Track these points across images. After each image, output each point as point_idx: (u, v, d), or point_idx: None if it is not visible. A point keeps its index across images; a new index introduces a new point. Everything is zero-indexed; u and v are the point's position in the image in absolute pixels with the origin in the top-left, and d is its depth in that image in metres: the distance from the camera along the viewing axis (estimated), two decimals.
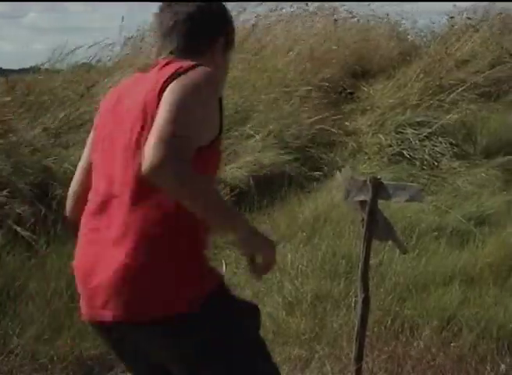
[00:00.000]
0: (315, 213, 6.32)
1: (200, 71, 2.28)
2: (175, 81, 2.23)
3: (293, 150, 8.04)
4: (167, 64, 2.34)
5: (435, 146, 8.17)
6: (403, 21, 12.35)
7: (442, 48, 10.63)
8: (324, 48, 10.48)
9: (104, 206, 2.31)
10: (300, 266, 5.22)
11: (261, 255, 2.35)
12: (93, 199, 2.37)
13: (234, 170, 7.40)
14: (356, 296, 3.80)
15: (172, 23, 2.44)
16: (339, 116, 9.14)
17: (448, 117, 8.65)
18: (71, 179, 2.58)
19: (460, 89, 9.33)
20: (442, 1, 12.38)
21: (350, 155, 8.28)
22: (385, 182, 3.60)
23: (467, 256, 5.42)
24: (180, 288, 2.22)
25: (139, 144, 2.21)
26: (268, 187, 7.41)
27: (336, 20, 11.58)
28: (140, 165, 2.10)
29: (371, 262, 3.78)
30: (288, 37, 10.81)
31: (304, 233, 5.98)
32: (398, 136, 8.33)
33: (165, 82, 2.24)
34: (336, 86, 9.70)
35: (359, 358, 3.57)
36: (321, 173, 7.81)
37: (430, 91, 9.34)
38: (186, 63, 2.31)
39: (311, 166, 7.99)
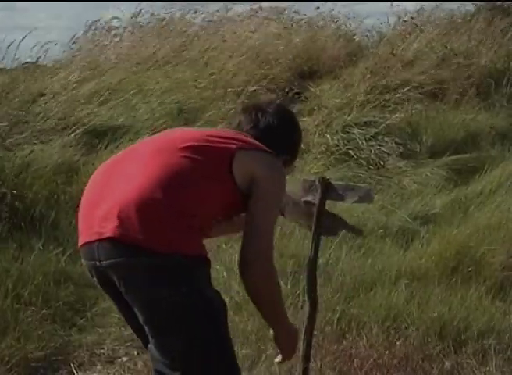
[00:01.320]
0: None
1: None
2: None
3: None
4: None
5: (381, 146, 8.23)
6: (350, 22, 12.45)
7: (388, 49, 10.72)
8: (271, 48, 10.50)
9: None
10: None
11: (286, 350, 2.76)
12: None
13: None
14: (303, 295, 3.81)
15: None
16: None
17: (394, 117, 8.72)
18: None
19: (406, 89, 9.42)
20: (389, 1, 12.47)
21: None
22: (334, 182, 3.60)
23: (412, 255, 5.47)
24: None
25: None
26: None
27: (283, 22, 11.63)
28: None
29: (318, 261, 3.79)
30: (235, 38, 10.81)
31: None
32: (345, 136, 8.38)
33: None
34: (283, 86, 9.74)
35: (306, 357, 3.57)
36: None
37: (376, 91, 9.41)
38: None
39: None
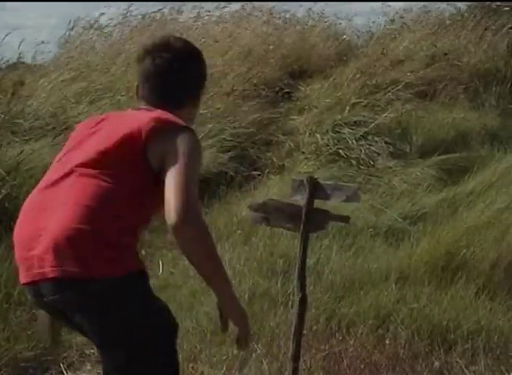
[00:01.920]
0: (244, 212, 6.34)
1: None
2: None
3: (230, 149, 8.05)
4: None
5: (371, 145, 8.24)
6: (340, 21, 12.48)
7: (378, 48, 10.74)
8: (262, 48, 10.51)
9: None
10: (237, 265, 5.23)
11: (237, 324, 2.70)
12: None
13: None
14: (293, 295, 3.82)
15: (155, 75, 2.78)
16: (276, 116, 9.18)
17: (384, 117, 8.73)
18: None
19: (396, 89, 9.42)
20: (380, 0, 12.53)
21: (288, 154, 8.31)
22: (322, 182, 3.62)
23: (402, 255, 5.48)
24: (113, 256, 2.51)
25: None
26: (206, 186, 7.40)
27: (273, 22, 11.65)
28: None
29: (309, 260, 3.80)
30: (226, 37, 10.82)
31: (242, 233, 5.98)
32: (335, 135, 8.38)
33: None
34: (273, 86, 9.75)
35: (296, 356, 3.59)
36: (258, 173, 7.82)
37: (366, 91, 9.42)
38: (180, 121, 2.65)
39: (249, 166, 8.01)
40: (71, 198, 2.53)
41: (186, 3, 11.88)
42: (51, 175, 2.77)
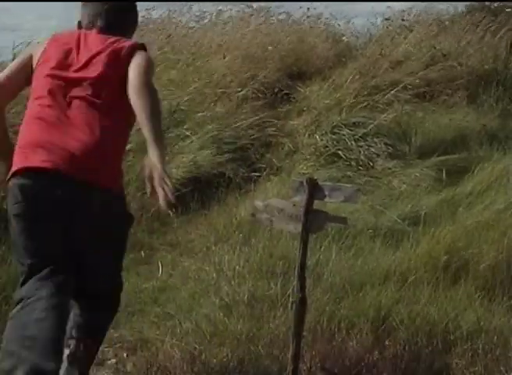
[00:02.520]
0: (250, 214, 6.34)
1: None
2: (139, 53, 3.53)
3: (230, 151, 8.04)
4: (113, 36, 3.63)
5: (371, 146, 8.23)
6: (339, 22, 12.49)
7: (377, 49, 10.74)
8: (260, 49, 10.51)
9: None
10: (236, 266, 5.23)
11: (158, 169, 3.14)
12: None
13: (170, 171, 7.37)
14: (293, 296, 3.82)
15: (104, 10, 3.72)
16: (275, 117, 9.18)
17: (383, 118, 8.73)
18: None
19: (395, 90, 9.42)
20: (379, 1, 12.58)
21: (287, 155, 8.31)
22: (321, 183, 3.63)
23: (402, 256, 5.47)
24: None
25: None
26: (205, 187, 7.41)
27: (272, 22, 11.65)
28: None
29: (308, 262, 3.80)
30: (225, 39, 10.82)
31: (241, 234, 5.98)
32: (334, 136, 8.37)
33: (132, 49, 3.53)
34: (272, 87, 9.74)
35: (296, 358, 3.59)
36: (258, 174, 7.82)
37: (365, 92, 9.42)
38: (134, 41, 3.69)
39: (248, 167, 8.00)
40: (83, 121, 3.36)
41: (186, 4, 11.86)
42: (52, 95, 3.46)
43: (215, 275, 5.18)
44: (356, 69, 9.93)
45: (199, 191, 7.30)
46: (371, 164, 7.99)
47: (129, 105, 3.31)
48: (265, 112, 9.14)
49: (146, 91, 3.30)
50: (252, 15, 11.96)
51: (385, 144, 8.30)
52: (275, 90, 9.78)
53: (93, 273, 3.44)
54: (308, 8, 12.24)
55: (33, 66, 3.62)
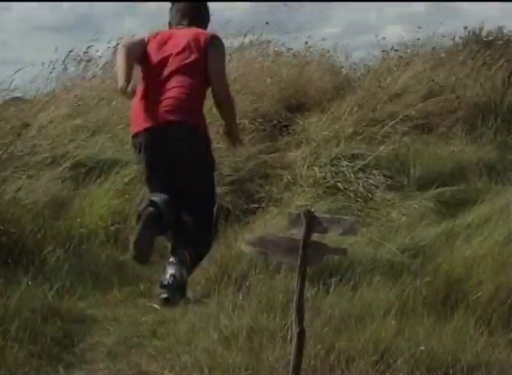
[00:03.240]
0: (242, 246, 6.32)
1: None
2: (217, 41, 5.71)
3: (228, 183, 8.05)
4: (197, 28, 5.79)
5: (369, 178, 8.25)
6: (338, 54, 12.54)
7: (375, 82, 10.80)
8: (259, 81, 10.55)
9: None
10: (236, 299, 5.21)
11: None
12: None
13: None
14: (291, 329, 3.80)
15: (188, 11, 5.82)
16: (274, 149, 9.20)
17: (381, 149, 8.75)
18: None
19: (393, 122, 9.46)
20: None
21: (286, 187, 8.32)
22: (319, 215, 3.63)
23: (401, 288, 5.46)
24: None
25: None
26: None
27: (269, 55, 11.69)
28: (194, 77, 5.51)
29: (307, 294, 3.79)
30: None
31: (241, 267, 5.97)
32: (333, 168, 8.40)
33: (211, 37, 5.67)
34: (271, 119, 9.78)
35: None
36: (257, 206, 7.83)
37: (364, 124, 9.46)
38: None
39: (247, 199, 8.01)
40: (180, 88, 5.46)
41: None
42: (159, 75, 5.51)
43: (214, 308, 5.17)
44: (354, 101, 9.98)
45: None
46: (370, 196, 8.00)
47: (206, 75, 5.52)
48: (264, 144, 9.17)
49: (222, 78, 5.69)
50: (251, 46, 12.01)
51: (384, 175, 8.32)
52: (274, 122, 9.81)
53: (192, 181, 5.52)
54: (307, 42, 12.29)
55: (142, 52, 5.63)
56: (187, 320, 5.16)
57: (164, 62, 5.51)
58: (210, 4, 6.09)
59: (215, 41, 5.60)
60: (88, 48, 10.80)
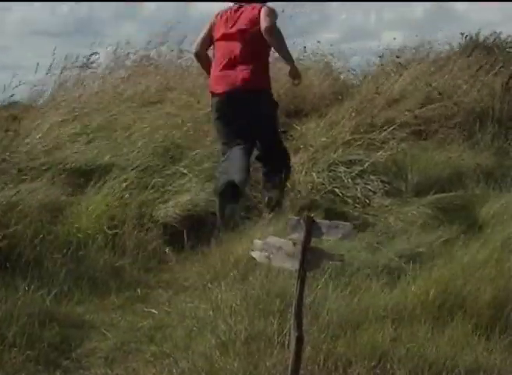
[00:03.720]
0: (249, 252, 6.32)
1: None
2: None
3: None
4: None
5: (367, 184, 8.25)
6: (336, 60, 12.55)
7: (373, 88, 10.81)
8: None
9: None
10: (233, 304, 5.21)
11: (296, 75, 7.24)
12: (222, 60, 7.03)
13: (167, 209, 7.37)
14: (289, 334, 3.80)
15: None
16: None
17: (379, 155, 8.76)
18: None
19: (391, 128, 9.46)
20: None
21: (284, 193, 8.31)
22: (318, 220, 3.64)
23: (398, 294, 5.46)
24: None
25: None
26: (202, 225, 7.40)
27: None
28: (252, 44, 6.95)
29: (305, 300, 3.79)
30: None
31: (238, 272, 5.97)
32: (330, 174, 8.40)
33: (261, 6, 7.04)
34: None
35: None
36: (254, 212, 7.81)
37: (362, 130, 9.46)
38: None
39: (245, 205, 8.00)
40: (246, 57, 6.85)
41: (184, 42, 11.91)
42: (228, 47, 6.97)
43: (211, 313, 5.16)
44: (352, 107, 9.99)
45: (195, 229, 7.30)
46: (368, 202, 8.00)
47: (267, 44, 6.93)
48: None
49: (272, 31, 6.84)
50: None
51: (382, 181, 8.32)
52: None
53: (261, 133, 7.13)
54: (305, 47, 12.31)
55: (213, 31, 7.19)
56: (185, 326, 5.16)
57: (230, 36, 7.05)
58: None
59: (265, 8, 7.01)
60: (91, 55, 10.81)
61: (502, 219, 7.04)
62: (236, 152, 6.94)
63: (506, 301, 5.30)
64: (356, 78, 12.51)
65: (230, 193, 6.86)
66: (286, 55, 7.07)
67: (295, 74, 7.15)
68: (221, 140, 7.25)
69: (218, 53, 7.14)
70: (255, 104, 6.92)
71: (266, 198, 7.14)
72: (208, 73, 7.35)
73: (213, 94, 7.14)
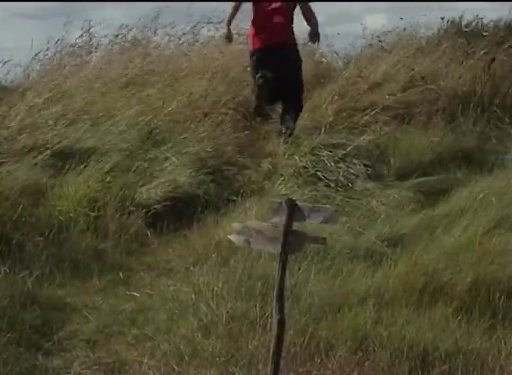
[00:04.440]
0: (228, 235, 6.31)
1: None
2: None
3: (209, 172, 8.04)
4: None
5: (350, 168, 8.25)
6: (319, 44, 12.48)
7: (356, 71, 10.80)
8: (239, 70, 10.53)
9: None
10: (215, 287, 5.21)
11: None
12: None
13: (149, 191, 7.36)
14: (271, 317, 3.80)
15: None
16: (255, 138, 9.19)
17: (362, 139, 8.76)
18: None
19: (374, 111, 9.47)
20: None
21: (266, 176, 8.31)
22: (300, 204, 3.64)
23: (380, 277, 5.48)
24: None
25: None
26: (184, 208, 7.40)
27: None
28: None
29: (287, 283, 3.79)
30: (204, 60, 10.84)
31: (220, 255, 5.97)
32: (313, 157, 8.39)
33: None
34: (251, 108, 9.75)
35: None
36: (237, 195, 7.81)
37: (344, 114, 9.47)
38: None
39: (227, 188, 8.00)
40: (279, 22, 8.85)
41: (161, 23, 11.87)
42: (266, 12, 8.89)
43: (193, 296, 5.17)
44: (335, 90, 9.98)
45: (178, 212, 7.29)
46: (351, 185, 8.00)
47: (293, 13, 8.95)
48: (244, 133, 9.16)
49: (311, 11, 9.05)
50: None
51: (365, 165, 8.33)
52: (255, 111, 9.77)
53: (288, 80, 8.80)
54: None
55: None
56: (167, 309, 5.16)
57: (267, 3, 8.90)
58: None
59: None
60: (80, 36, 10.76)
61: (483, 203, 7.06)
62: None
63: (487, 285, 5.33)
64: (339, 62, 12.49)
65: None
66: (315, 21, 9.13)
67: (315, 35, 9.13)
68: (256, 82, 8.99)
69: (259, 17, 9.05)
70: (286, 54, 8.97)
71: (284, 128, 8.85)
72: None
73: (254, 50, 9.12)
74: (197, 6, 12.11)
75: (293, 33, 9.21)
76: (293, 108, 9.02)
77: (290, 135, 8.83)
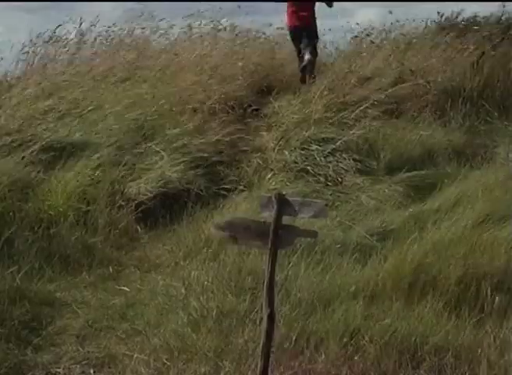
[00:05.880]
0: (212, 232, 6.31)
1: None
2: None
3: (199, 166, 8.03)
4: None
5: (339, 162, 8.25)
6: None
7: (345, 66, 10.80)
8: (229, 65, 10.52)
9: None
10: (205, 282, 5.21)
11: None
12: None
13: (139, 186, 7.35)
14: (261, 312, 3.81)
15: None
16: (245, 133, 9.18)
17: (351, 133, 8.76)
18: None
19: (364, 106, 9.46)
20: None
21: (256, 171, 8.30)
22: (290, 198, 3.63)
23: (370, 271, 5.49)
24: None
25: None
26: (174, 203, 7.39)
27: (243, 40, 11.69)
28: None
29: (277, 277, 3.79)
30: (195, 54, 10.82)
31: (210, 250, 5.97)
32: (303, 152, 8.39)
33: None
34: (241, 102, 9.74)
35: (264, 373, 3.58)
36: (226, 189, 7.81)
37: (334, 108, 9.45)
38: None
39: (217, 182, 7.99)
40: (305, 11, 10.91)
41: (153, 18, 11.85)
42: (296, 5, 10.95)
43: (183, 290, 5.17)
44: (325, 85, 9.97)
45: (168, 207, 7.28)
46: (340, 180, 8.00)
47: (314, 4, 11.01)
48: (234, 128, 9.14)
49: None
50: (220, 30, 11.98)
51: (354, 159, 8.32)
52: (245, 105, 9.78)
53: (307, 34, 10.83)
54: (278, 28, 12.27)
55: None
56: (156, 303, 5.15)
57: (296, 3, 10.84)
58: None
59: None
60: (57, 28, 10.71)
61: (472, 197, 7.07)
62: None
63: (476, 279, 5.34)
64: (329, 56, 12.46)
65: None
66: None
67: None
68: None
69: (292, 7, 10.93)
70: (309, 29, 10.80)
71: (305, 62, 10.54)
72: None
73: (290, 28, 11.05)
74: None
75: (314, 19, 11.06)
76: (312, 54, 10.85)
77: (311, 70, 10.69)
